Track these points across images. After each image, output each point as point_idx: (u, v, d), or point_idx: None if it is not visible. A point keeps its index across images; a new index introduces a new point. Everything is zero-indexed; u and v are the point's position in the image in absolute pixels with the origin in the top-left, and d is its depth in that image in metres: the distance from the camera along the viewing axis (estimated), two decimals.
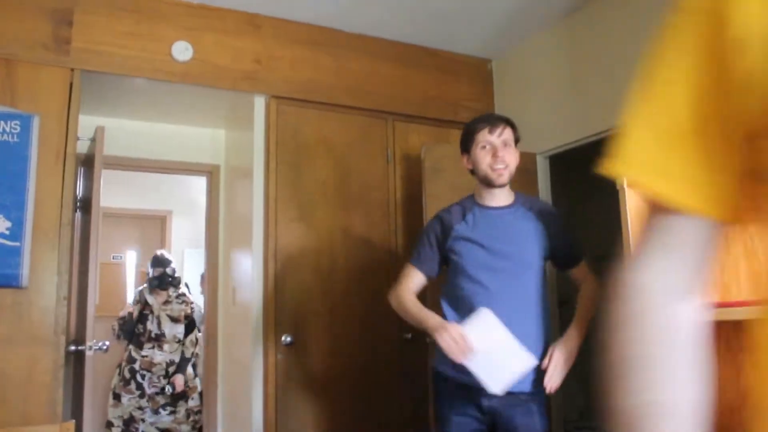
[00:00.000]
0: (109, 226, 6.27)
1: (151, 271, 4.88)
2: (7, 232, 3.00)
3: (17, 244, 3.02)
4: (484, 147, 2.38)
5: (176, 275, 4.93)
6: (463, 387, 2.26)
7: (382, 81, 4.05)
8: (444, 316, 2.34)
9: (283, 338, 3.54)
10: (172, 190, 6.59)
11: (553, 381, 2.20)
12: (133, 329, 4.73)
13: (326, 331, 3.68)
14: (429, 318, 2.29)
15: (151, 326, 4.73)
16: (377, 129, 4.04)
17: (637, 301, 0.71)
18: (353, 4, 3.71)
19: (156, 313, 4.77)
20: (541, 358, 2.25)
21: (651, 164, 0.69)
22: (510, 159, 2.37)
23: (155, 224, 7.06)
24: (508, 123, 2.42)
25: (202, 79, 3.62)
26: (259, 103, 3.83)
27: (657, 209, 0.71)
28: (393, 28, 4.01)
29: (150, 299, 4.80)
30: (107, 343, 3.70)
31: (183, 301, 4.86)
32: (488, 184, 2.39)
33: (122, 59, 3.44)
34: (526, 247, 2.34)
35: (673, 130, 0.67)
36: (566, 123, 3.82)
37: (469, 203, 2.45)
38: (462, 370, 2.21)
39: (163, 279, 4.81)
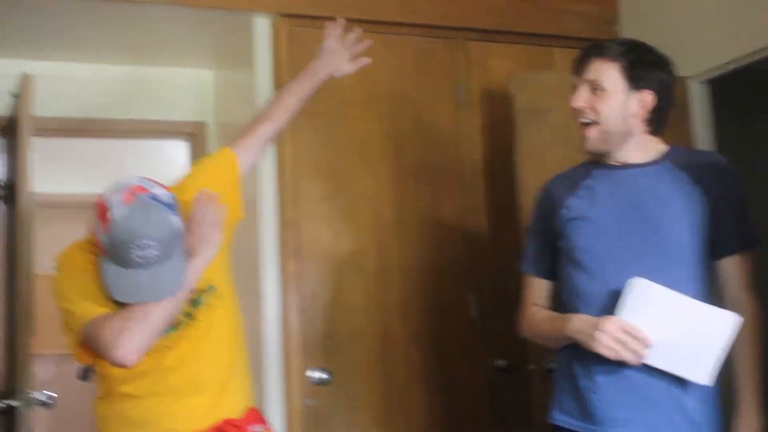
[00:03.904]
0: (47, 220, 5.82)
1: None
2: None
3: None
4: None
5: None
6: None
7: None
8: None
9: (312, 374, 3.11)
10: (138, 163, 5.72)
11: None
12: None
13: (378, 362, 3.23)
14: (566, 323, 2.03)
15: None
16: (442, 55, 3.54)
17: None
18: None
19: None
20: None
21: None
22: (600, 108, 2.06)
23: None
24: (600, 52, 2.09)
25: None
26: (262, 26, 3.37)
27: None
28: None
29: None
30: (54, 394, 3.21)
31: None
32: None
33: None
34: (674, 225, 2.02)
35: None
36: (735, 29, 3.20)
37: (587, 164, 2.20)
38: (592, 420, 2.01)
39: None
